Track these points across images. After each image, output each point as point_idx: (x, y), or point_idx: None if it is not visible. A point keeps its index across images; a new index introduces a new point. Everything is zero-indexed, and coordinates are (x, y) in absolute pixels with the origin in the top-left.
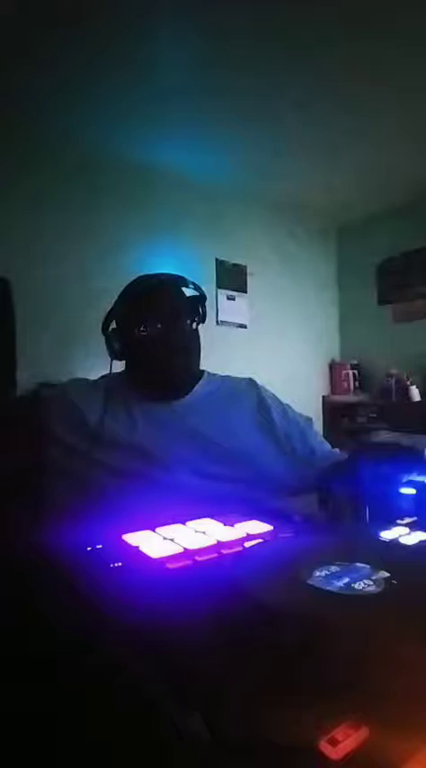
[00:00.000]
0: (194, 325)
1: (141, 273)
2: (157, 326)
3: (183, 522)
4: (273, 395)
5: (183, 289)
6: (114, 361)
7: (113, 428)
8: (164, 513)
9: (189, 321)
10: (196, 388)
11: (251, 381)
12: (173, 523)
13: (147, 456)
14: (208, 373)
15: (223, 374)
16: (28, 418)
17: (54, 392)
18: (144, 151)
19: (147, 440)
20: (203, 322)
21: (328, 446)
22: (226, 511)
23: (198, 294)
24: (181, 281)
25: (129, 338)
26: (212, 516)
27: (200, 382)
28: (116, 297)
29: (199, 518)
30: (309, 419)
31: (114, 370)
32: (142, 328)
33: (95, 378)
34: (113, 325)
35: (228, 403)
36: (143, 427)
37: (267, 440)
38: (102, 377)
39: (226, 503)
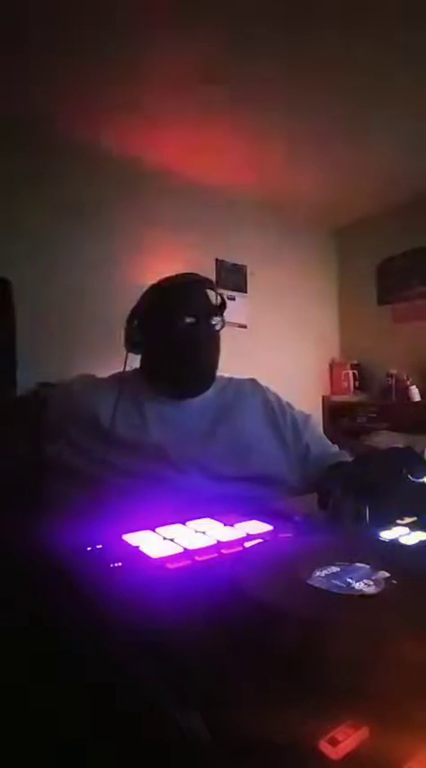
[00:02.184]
0: (217, 327)
1: (142, 274)
2: (188, 321)
3: (183, 522)
4: (276, 395)
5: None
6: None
7: (125, 429)
8: (166, 512)
9: (215, 322)
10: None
11: (254, 382)
12: (173, 523)
13: (160, 456)
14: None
15: (226, 375)
16: (28, 418)
17: (61, 390)
18: (143, 150)
19: (160, 440)
20: (223, 327)
21: (327, 443)
22: (226, 511)
23: (222, 301)
24: (211, 285)
25: (158, 330)
26: (212, 516)
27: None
28: (116, 298)
29: (198, 518)
30: (308, 416)
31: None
32: (175, 321)
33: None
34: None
35: (237, 403)
36: (155, 427)
37: (274, 440)
38: (116, 374)
39: (236, 503)
